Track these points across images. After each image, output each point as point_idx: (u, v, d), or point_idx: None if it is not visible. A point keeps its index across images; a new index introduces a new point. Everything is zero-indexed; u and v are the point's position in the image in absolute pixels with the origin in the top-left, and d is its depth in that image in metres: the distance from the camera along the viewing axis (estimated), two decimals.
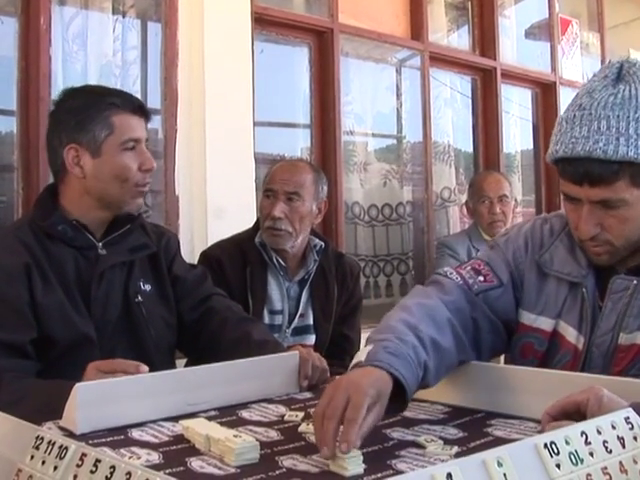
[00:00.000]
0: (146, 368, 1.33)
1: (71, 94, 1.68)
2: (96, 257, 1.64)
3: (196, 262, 2.25)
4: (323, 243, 2.32)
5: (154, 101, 2.87)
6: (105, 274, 1.63)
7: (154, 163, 1.68)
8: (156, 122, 2.81)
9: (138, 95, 2.76)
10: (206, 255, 2.29)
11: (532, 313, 1.44)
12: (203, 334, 1.77)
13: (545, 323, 1.42)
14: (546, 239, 1.48)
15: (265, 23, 3.25)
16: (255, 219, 2.38)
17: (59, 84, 2.62)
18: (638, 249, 1.37)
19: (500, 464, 0.76)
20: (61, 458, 0.86)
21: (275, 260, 2.24)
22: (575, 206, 1.33)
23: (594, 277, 1.39)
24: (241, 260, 2.24)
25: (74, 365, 1.42)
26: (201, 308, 1.79)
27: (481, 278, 1.45)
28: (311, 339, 2.28)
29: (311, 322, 2.29)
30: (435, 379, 1.26)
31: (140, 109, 1.68)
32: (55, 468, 0.86)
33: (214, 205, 2.88)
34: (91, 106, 1.61)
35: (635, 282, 1.34)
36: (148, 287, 1.71)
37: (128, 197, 1.65)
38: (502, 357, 3.08)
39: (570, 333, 1.39)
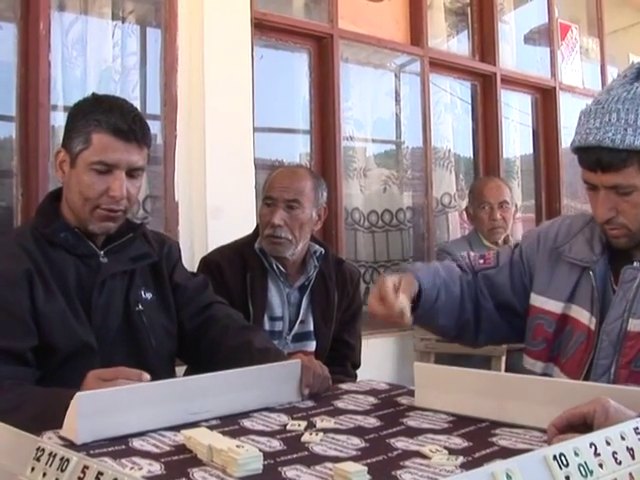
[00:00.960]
0: (148, 376, 1.32)
1: (85, 99, 1.65)
2: (97, 265, 1.63)
3: (196, 268, 2.24)
4: (323, 249, 2.31)
5: (153, 107, 2.87)
6: (106, 282, 1.62)
7: (122, 192, 1.57)
8: (155, 128, 2.81)
9: (137, 101, 2.76)
10: (206, 261, 2.28)
11: (543, 296, 1.58)
12: (203, 342, 1.75)
13: (554, 306, 1.55)
14: (563, 231, 1.61)
15: (265, 29, 3.25)
16: (255, 225, 2.37)
17: (58, 90, 2.62)
18: None
19: (509, 476, 0.75)
20: (62, 470, 0.85)
21: (275, 266, 2.23)
22: (594, 192, 1.48)
23: (606, 264, 1.51)
24: (241, 266, 2.23)
25: (74, 373, 1.41)
26: (202, 316, 1.78)
27: (481, 261, 1.69)
28: (312, 345, 2.27)
29: (311, 328, 2.27)
30: (443, 312, 1.57)
31: (125, 134, 1.56)
32: None
33: (214, 211, 2.87)
34: (83, 116, 1.58)
35: None
36: (149, 295, 1.70)
37: (90, 216, 1.60)
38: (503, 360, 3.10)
39: (584, 315, 1.50)
